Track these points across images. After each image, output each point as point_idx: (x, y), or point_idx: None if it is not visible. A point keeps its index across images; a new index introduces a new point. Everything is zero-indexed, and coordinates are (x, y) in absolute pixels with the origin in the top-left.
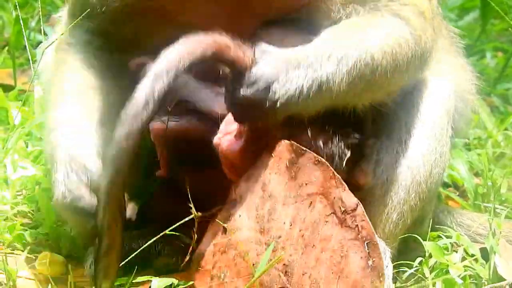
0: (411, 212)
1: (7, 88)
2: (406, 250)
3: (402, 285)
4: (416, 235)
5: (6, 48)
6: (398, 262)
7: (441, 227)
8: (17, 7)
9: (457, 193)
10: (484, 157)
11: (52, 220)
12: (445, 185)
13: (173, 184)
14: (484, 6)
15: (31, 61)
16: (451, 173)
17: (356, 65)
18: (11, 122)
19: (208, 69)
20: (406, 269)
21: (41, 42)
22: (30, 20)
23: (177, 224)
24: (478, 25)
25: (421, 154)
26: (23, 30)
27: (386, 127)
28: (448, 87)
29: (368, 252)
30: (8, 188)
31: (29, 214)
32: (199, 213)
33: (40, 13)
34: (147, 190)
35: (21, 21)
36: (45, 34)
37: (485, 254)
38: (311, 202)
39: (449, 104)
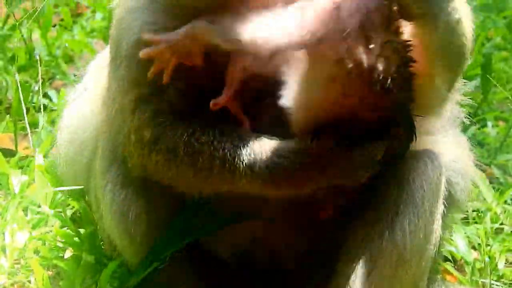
0: None
1: (9, 153)
2: None
3: None
4: None
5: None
6: None
7: None
8: (15, 71)
9: (455, 267)
10: (482, 232)
11: None
12: (443, 259)
13: None
14: (485, 75)
15: (28, 128)
16: (448, 247)
17: None
18: (11, 189)
19: None
20: None
21: (44, 105)
22: (33, 84)
23: None
24: (479, 93)
25: (408, 232)
26: (21, 94)
27: (374, 199)
28: (440, 164)
29: None
30: (5, 257)
31: (26, 284)
32: None
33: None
34: None
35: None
36: (48, 98)
37: None
38: None
39: (440, 182)
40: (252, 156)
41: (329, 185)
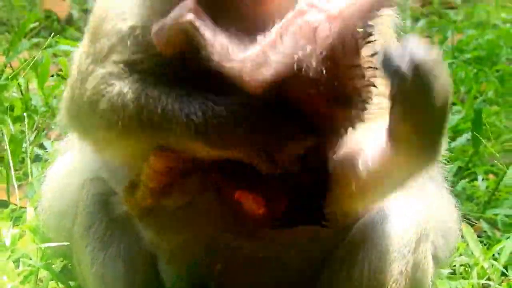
0: None
1: (2, 204)
2: None
3: None
4: None
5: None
6: None
7: None
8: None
9: None
10: (469, 286)
11: None
12: None
13: None
14: (476, 129)
15: (18, 179)
16: None
17: None
18: (1, 241)
19: None
20: None
21: (39, 156)
22: (30, 134)
23: None
24: (470, 147)
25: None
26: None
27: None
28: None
29: None
30: None
31: None
32: None
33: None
34: None
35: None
36: (44, 148)
37: None
38: None
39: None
40: (190, 105)
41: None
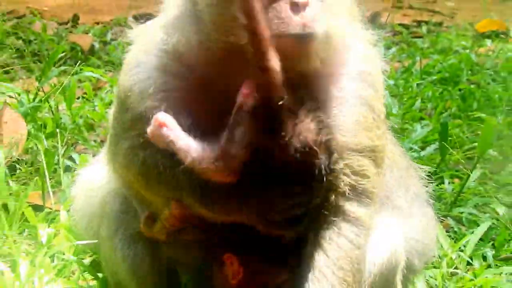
0: None
1: (38, 208)
2: None
3: None
4: None
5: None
6: None
7: None
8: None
9: None
10: (439, 275)
11: None
12: None
13: None
14: (442, 140)
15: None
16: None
17: None
18: (39, 239)
19: None
20: None
21: (69, 166)
22: (61, 148)
23: None
24: (438, 155)
25: None
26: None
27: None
28: (396, 243)
29: None
30: None
31: None
32: None
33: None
34: None
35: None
36: (72, 160)
37: None
38: None
39: (396, 262)
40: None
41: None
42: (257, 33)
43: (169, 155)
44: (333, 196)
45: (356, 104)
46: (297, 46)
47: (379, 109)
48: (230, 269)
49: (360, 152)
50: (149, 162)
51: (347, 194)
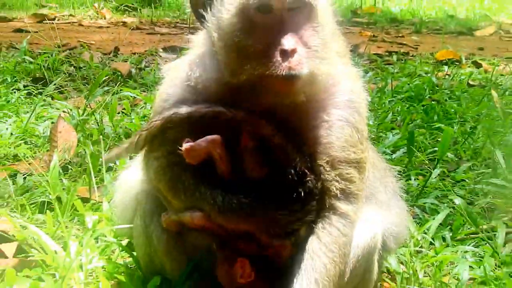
0: None
1: (85, 200)
2: None
3: None
4: None
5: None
6: None
7: None
8: (91, 144)
9: (389, 277)
10: (407, 252)
11: None
12: (382, 272)
13: None
14: (409, 145)
15: (94, 183)
16: (386, 264)
17: None
18: (85, 225)
19: None
20: None
21: (110, 167)
22: (104, 152)
23: None
24: (406, 157)
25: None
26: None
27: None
28: (376, 230)
29: None
30: (82, 272)
31: None
32: None
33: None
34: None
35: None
36: (114, 162)
37: None
38: None
39: (375, 244)
40: (217, 195)
41: (258, 231)
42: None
43: (193, 174)
44: (327, 197)
45: (344, 126)
46: (284, 85)
47: (362, 129)
48: (240, 270)
49: (348, 163)
50: (176, 179)
51: (338, 195)
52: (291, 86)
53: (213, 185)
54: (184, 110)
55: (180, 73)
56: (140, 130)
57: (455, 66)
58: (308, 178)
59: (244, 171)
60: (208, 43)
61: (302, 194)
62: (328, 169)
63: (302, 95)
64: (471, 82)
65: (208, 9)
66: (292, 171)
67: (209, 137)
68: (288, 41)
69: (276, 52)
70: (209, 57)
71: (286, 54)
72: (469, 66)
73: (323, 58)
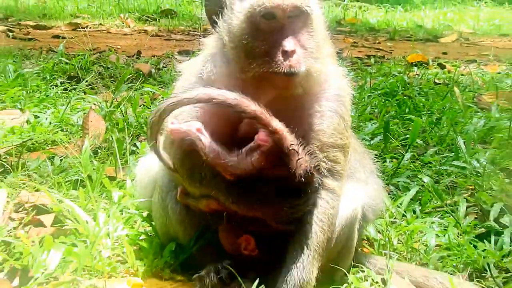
0: (328, 254)
1: (112, 179)
2: (336, 280)
3: None
4: (344, 270)
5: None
6: (333, 286)
7: (359, 264)
8: (117, 132)
9: (368, 244)
10: (384, 223)
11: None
12: (362, 239)
13: None
14: (385, 133)
15: (119, 164)
16: (365, 233)
17: None
18: (112, 199)
19: None
20: None
21: (133, 151)
22: (128, 138)
23: None
24: (382, 143)
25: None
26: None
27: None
28: (357, 203)
29: None
30: (109, 239)
31: (121, 255)
32: None
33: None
34: None
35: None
36: (136, 146)
37: (384, 281)
38: None
39: (356, 215)
40: (230, 187)
41: (267, 219)
42: (265, 123)
43: (210, 167)
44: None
45: (333, 116)
46: (285, 80)
47: (347, 119)
48: (244, 243)
49: (335, 147)
50: (194, 169)
51: (325, 174)
52: (291, 81)
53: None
54: (194, 92)
55: (194, 69)
56: (150, 116)
57: (423, 68)
58: (315, 179)
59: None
60: (219, 45)
61: (307, 192)
62: (318, 152)
63: (300, 88)
64: (436, 81)
65: (220, 17)
66: (302, 172)
67: (192, 123)
68: (288, 43)
69: (279, 52)
70: (220, 56)
71: (287, 54)
72: (435, 68)
73: (316, 58)
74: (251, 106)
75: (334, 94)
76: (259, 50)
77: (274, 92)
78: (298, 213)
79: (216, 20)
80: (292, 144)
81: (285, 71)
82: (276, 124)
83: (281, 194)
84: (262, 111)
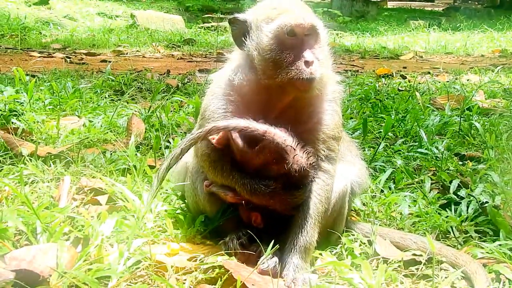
0: (326, 221)
1: (152, 167)
2: (332, 242)
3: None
4: (338, 233)
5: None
6: (329, 247)
7: (350, 229)
8: (154, 130)
9: (355, 213)
10: (367, 197)
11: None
12: (351, 210)
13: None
14: (364, 127)
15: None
16: (353, 204)
17: None
18: (153, 183)
19: None
20: (333, 249)
21: (168, 146)
22: (163, 136)
23: None
24: (361, 136)
25: (335, 212)
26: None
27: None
28: (347, 180)
29: None
30: (152, 214)
31: (162, 226)
32: None
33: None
34: None
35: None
36: (169, 142)
37: (369, 242)
38: None
39: (346, 190)
40: (247, 181)
41: (275, 207)
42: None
43: (229, 163)
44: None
45: (333, 113)
46: (308, 84)
47: (341, 116)
48: (253, 217)
49: (333, 139)
50: (216, 163)
51: (323, 159)
52: (311, 85)
53: (243, 173)
54: (221, 124)
55: (224, 77)
56: (195, 133)
57: (389, 78)
58: (310, 174)
59: (267, 169)
60: (245, 58)
61: (306, 184)
62: (320, 142)
63: (316, 91)
64: (400, 88)
65: (248, 37)
66: (297, 168)
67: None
68: (308, 55)
69: (301, 62)
70: (248, 67)
71: (308, 64)
72: (398, 78)
73: (326, 67)
74: (240, 123)
75: (334, 96)
76: (286, 61)
77: (293, 94)
78: (299, 201)
79: (243, 39)
80: (286, 141)
81: (307, 77)
82: (262, 127)
83: (285, 188)
84: (248, 123)
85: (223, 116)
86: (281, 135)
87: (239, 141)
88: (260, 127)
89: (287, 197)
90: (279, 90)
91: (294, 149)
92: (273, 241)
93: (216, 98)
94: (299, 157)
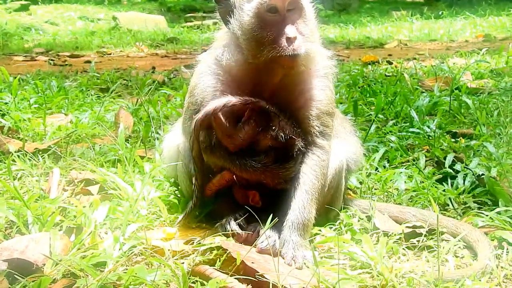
0: (323, 198)
1: (142, 158)
2: (330, 218)
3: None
4: (337, 210)
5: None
6: (328, 224)
7: (347, 206)
8: (143, 122)
9: (352, 191)
10: (363, 174)
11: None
12: (347, 188)
13: None
14: (355, 110)
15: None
16: (350, 182)
17: None
18: (144, 171)
19: None
20: (332, 225)
21: (157, 138)
22: (152, 126)
23: None
24: (353, 119)
25: (332, 188)
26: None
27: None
28: (342, 157)
29: None
30: (144, 201)
31: (157, 212)
32: None
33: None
34: None
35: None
36: (158, 133)
37: (368, 218)
38: None
39: (342, 166)
40: (241, 159)
41: (267, 181)
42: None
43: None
44: (310, 137)
45: (325, 89)
46: (291, 61)
47: (333, 92)
48: (251, 196)
49: (327, 114)
50: (207, 141)
51: (318, 135)
52: (295, 62)
53: (235, 152)
54: (212, 105)
55: (211, 56)
56: (195, 119)
57: (375, 65)
58: (296, 142)
59: (255, 143)
60: (232, 37)
61: (294, 154)
62: (314, 118)
63: (302, 67)
64: (387, 74)
65: (232, 16)
66: (283, 135)
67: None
68: (290, 31)
69: (283, 39)
70: (234, 46)
71: (290, 40)
72: (384, 64)
73: (312, 42)
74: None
75: (326, 72)
76: (267, 39)
77: (281, 72)
78: (291, 174)
79: (228, 18)
80: (269, 107)
81: (290, 53)
82: (245, 98)
83: (276, 162)
84: (229, 99)
85: (212, 94)
86: (264, 103)
87: (223, 121)
88: (244, 98)
89: (278, 170)
90: (267, 69)
91: (277, 115)
92: (270, 217)
93: (205, 76)
94: (283, 123)
